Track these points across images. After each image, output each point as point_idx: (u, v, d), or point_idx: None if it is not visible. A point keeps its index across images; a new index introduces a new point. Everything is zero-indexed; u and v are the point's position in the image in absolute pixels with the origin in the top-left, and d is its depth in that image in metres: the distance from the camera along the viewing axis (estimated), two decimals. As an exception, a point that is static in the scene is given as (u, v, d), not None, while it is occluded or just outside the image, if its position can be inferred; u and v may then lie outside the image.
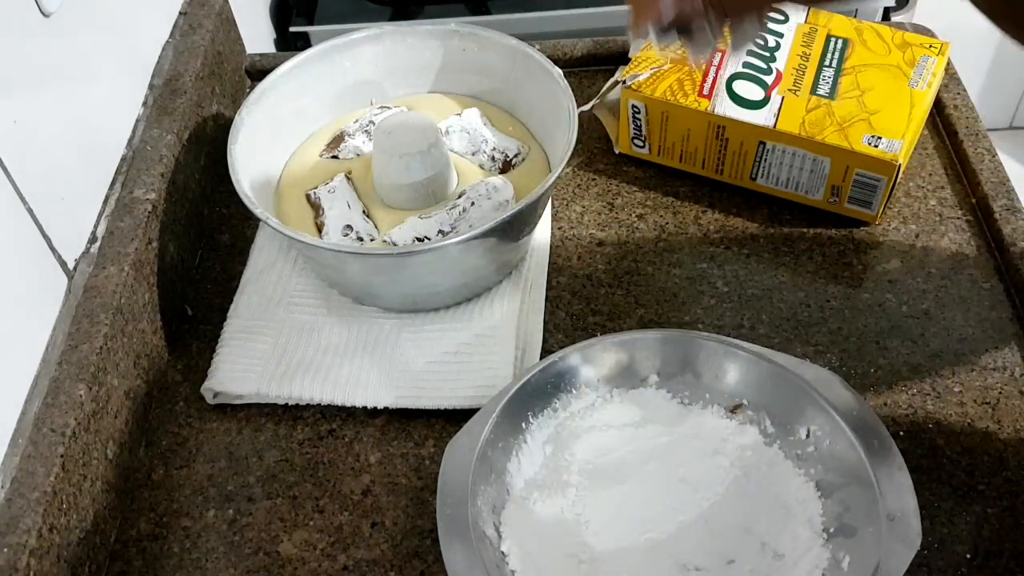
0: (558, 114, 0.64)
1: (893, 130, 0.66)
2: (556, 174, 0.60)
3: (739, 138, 0.69)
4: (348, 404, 0.60)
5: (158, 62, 0.73)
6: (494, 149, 0.68)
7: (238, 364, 0.62)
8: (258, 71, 0.84)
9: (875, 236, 0.69)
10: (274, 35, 1.04)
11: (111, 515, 0.56)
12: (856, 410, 0.52)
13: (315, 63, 0.69)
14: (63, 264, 0.58)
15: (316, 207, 0.65)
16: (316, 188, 0.66)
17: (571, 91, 0.64)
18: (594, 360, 0.57)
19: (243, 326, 0.64)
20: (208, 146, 0.75)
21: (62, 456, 0.52)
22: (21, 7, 0.55)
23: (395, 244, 0.62)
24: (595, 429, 0.55)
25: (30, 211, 0.55)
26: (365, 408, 0.60)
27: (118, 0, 0.67)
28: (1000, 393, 0.61)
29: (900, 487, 0.49)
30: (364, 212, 0.65)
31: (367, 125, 0.70)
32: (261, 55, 0.86)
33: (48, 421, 0.53)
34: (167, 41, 0.75)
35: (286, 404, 0.61)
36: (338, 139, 0.70)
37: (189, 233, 0.70)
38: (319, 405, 0.61)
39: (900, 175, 0.67)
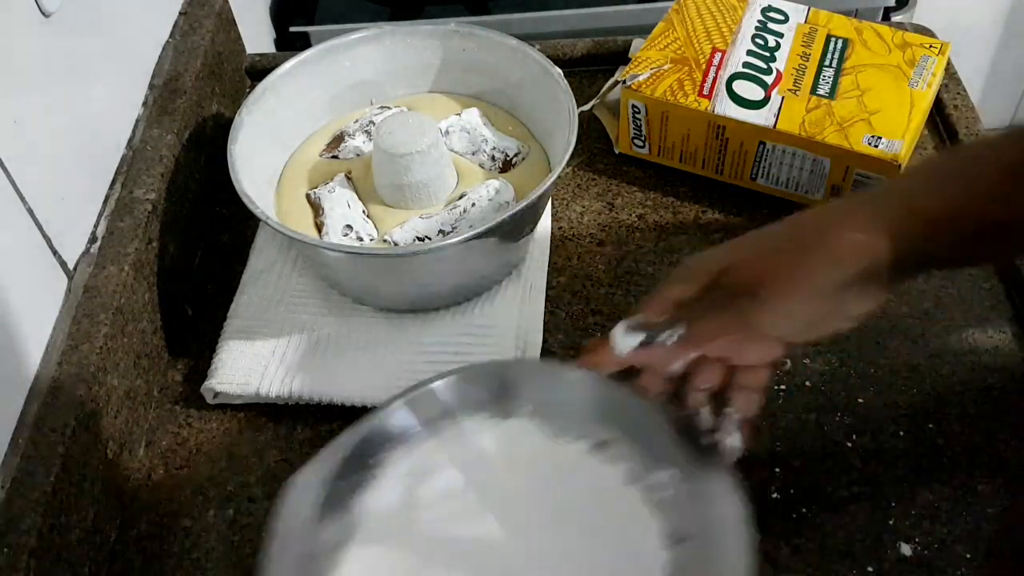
0: (558, 114, 0.64)
1: (893, 130, 0.66)
2: (556, 174, 0.60)
3: (739, 138, 0.69)
4: (348, 404, 0.60)
5: (158, 62, 0.73)
6: (494, 149, 0.68)
7: (238, 364, 0.62)
8: (258, 71, 0.84)
9: (875, 236, 0.69)
10: (274, 35, 1.04)
11: (111, 515, 0.56)
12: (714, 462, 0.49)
13: (315, 63, 0.69)
14: (63, 264, 0.58)
15: (316, 207, 0.65)
16: (316, 188, 0.66)
17: (571, 91, 0.64)
18: (462, 389, 0.54)
19: (243, 326, 0.64)
20: (208, 146, 0.75)
21: (62, 456, 0.52)
22: (21, 7, 0.55)
23: (396, 244, 0.63)
24: (458, 461, 0.53)
25: (30, 211, 0.55)
26: (365, 407, 0.60)
27: (118, 0, 0.67)
28: (1000, 393, 0.61)
29: (737, 546, 0.46)
30: (364, 212, 0.65)
31: (367, 125, 0.70)
32: (261, 55, 0.86)
33: (48, 421, 0.53)
34: (167, 41, 0.75)
35: (286, 404, 0.61)
36: (338, 139, 0.70)
37: (189, 233, 0.70)
38: (319, 405, 0.61)
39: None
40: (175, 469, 0.60)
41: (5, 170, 0.52)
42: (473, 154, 0.68)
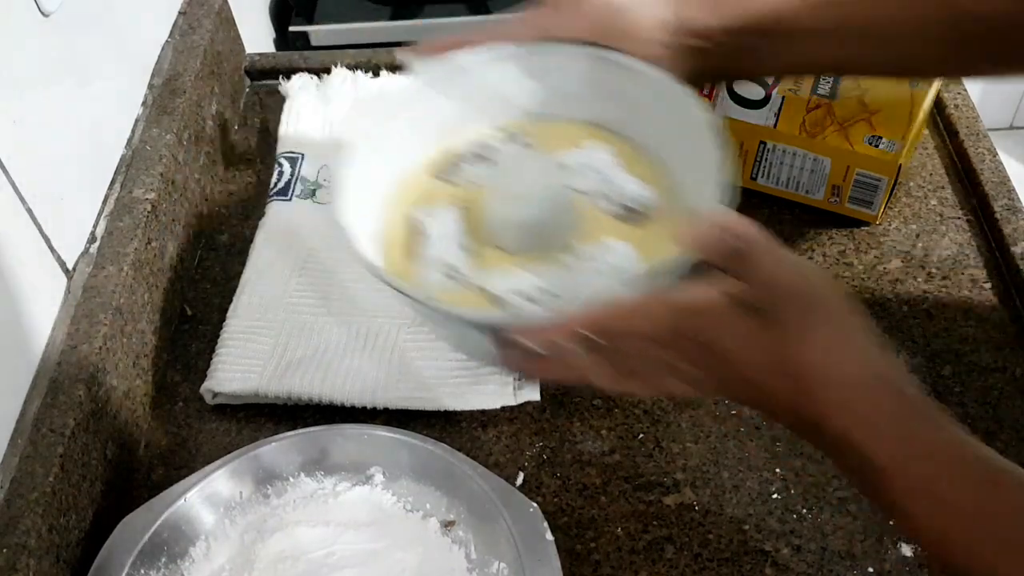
0: (704, 166, 0.53)
1: (894, 130, 0.66)
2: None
3: (739, 138, 0.69)
4: (347, 404, 0.60)
5: (157, 62, 0.73)
6: (622, 195, 0.57)
7: (238, 364, 0.61)
8: (257, 71, 0.84)
9: (876, 236, 0.69)
10: (273, 35, 1.04)
11: (111, 516, 0.56)
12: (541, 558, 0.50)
13: (436, 78, 0.60)
14: (62, 264, 0.58)
15: (416, 229, 0.57)
16: (421, 208, 0.58)
17: (723, 142, 0.53)
18: (316, 450, 0.55)
19: (243, 326, 0.64)
20: (208, 146, 0.74)
21: (61, 456, 0.51)
22: (21, 7, 0.55)
23: (491, 294, 0.53)
24: (302, 524, 0.52)
25: (29, 211, 0.55)
26: (364, 408, 0.60)
27: (118, 0, 0.67)
28: (1000, 393, 0.60)
29: None
30: (466, 246, 0.56)
31: (484, 150, 0.62)
32: (260, 55, 0.86)
33: (47, 421, 0.53)
34: (166, 41, 0.75)
35: (285, 404, 0.61)
36: (453, 161, 0.62)
37: (188, 233, 0.70)
38: (318, 405, 0.61)
39: (901, 175, 0.67)
40: (174, 469, 0.59)
41: (4, 170, 0.52)
42: (595, 196, 0.58)
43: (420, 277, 0.54)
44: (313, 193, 0.72)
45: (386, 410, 0.60)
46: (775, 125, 0.68)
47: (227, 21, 0.81)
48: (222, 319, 0.65)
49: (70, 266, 0.59)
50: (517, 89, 0.61)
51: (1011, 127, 1.72)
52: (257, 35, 0.98)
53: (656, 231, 0.55)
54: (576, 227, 0.56)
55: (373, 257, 0.52)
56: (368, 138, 0.58)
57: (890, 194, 0.68)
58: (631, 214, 0.57)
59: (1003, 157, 0.73)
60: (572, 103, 0.61)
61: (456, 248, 0.55)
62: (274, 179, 0.72)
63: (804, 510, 0.56)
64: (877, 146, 0.66)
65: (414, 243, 0.56)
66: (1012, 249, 0.66)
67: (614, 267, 0.53)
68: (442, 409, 0.60)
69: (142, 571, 0.51)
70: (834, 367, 0.41)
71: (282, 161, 0.74)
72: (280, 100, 0.78)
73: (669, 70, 0.55)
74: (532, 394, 0.61)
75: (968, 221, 0.70)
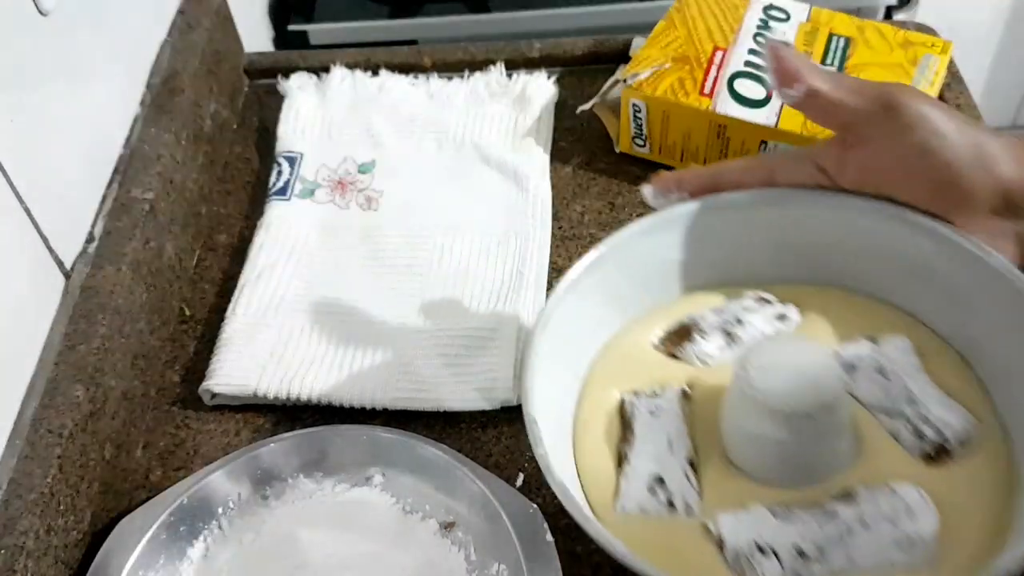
0: None
1: (895, 129, 0.66)
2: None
3: (740, 137, 0.69)
4: (347, 404, 0.60)
5: (155, 61, 0.73)
6: (924, 419, 0.43)
7: (237, 365, 0.61)
8: (256, 70, 0.84)
9: (877, 236, 0.69)
10: (272, 34, 1.04)
11: (109, 517, 0.56)
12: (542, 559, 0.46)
13: (681, 220, 0.49)
14: (60, 264, 0.58)
15: (627, 425, 0.46)
16: (636, 395, 0.47)
17: None
18: (315, 451, 0.54)
19: (241, 327, 0.63)
20: (206, 145, 0.74)
21: (59, 457, 0.51)
22: (18, 5, 0.55)
23: (720, 540, 0.41)
24: (301, 525, 0.52)
25: (27, 211, 0.54)
26: (364, 409, 0.60)
27: (116, -2, 0.67)
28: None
29: None
30: (690, 460, 0.44)
31: (731, 323, 0.48)
32: (259, 54, 0.85)
33: (45, 422, 0.52)
34: (165, 39, 0.74)
35: (284, 405, 0.61)
36: (684, 331, 0.49)
37: (187, 233, 0.70)
38: (317, 405, 0.60)
39: (902, 174, 0.66)
40: (173, 470, 0.59)
41: (2, 169, 0.52)
42: (887, 414, 0.44)
43: (623, 499, 0.42)
44: (312, 193, 0.72)
45: (385, 410, 0.60)
46: (776, 124, 0.67)
47: (226, 20, 0.81)
48: (221, 319, 0.65)
49: (68, 266, 0.59)
50: (779, 243, 0.48)
51: (1013, 126, 1.71)
52: (256, 34, 0.97)
53: (968, 481, 0.40)
54: (852, 457, 0.42)
55: (563, 479, 0.39)
56: (570, 289, 0.45)
57: (892, 194, 0.67)
58: (932, 447, 0.41)
59: (1005, 156, 0.73)
60: (856, 272, 0.47)
61: (674, 458, 0.43)
62: (273, 179, 0.72)
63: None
64: (879, 145, 0.65)
65: (619, 440, 0.44)
66: (1014, 249, 0.66)
67: (905, 536, 0.38)
68: (442, 409, 0.59)
69: (140, 572, 0.50)
70: None
71: (281, 161, 0.73)
72: (279, 99, 0.78)
73: (1002, 251, 0.42)
74: None
75: (970, 221, 0.69)
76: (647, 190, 0.49)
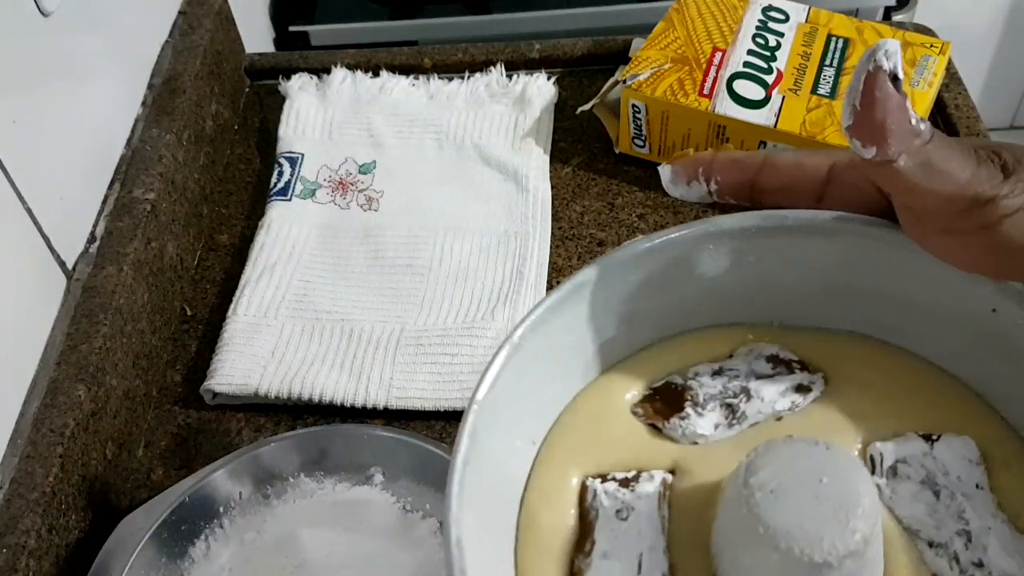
0: None
1: (894, 130, 0.66)
2: None
3: (739, 138, 0.69)
4: (347, 404, 0.60)
5: (157, 61, 0.73)
6: (979, 565, 0.32)
7: (238, 365, 0.61)
8: (257, 70, 0.84)
9: (876, 236, 0.69)
10: (273, 34, 1.04)
11: (110, 516, 0.56)
12: None
13: (680, 245, 0.36)
14: (62, 264, 0.58)
15: (587, 526, 0.34)
16: (603, 480, 0.34)
17: None
18: (315, 451, 0.53)
19: (243, 326, 0.64)
20: (207, 145, 0.74)
21: (61, 457, 0.51)
22: (20, 6, 0.55)
23: None
24: (301, 525, 0.52)
25: (29, 211, 0.54)
26: (364, 408, 0.60)
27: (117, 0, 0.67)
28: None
29: None
30: (666, 568, 0.32)
31: (735, 394, 0.36)
32: (260, 54, 0.85)
33: (47, 422, 0.53)
34: (166, 40, 0.75)
35: (285, 404, 0.61)
36: (672, 396, 0.37)
37: (188, 233, 0.70)
38: (318, 405, 0.61)
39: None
40: (174, 470, 0.59)
41: (4, 170, 0.52)
42: (931, 545, 0.32)
43: None
44: (313, 193, 0.72)
45: (386, 410, 0.60)
46: (775, 125, 0.68)
47: (227, 21, 0.81)
48: (222, 319, 0.65)
49: (70, 266, 0.59)
50: (816, 281, 0.36)
51: (1011, 127, 1.71)
52: (257, 35, 0.98)
53: None
54: None
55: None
56: (534, 329, 0.34)
57: (891, 194, 0.67)
58: None
59: (1004, 157, 0.73)
60: (918, 331, 0.36)
61: (646, 567, 0.32)
62: (274, 179, 0.73)
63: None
64: (878, 146, 0.65)
65: (574, 546, 0.33)
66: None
67: None
68: (442, 409, 0.60)
69: (142, 572, 0.50)
70: None
71: (282, 161, 0.74)
72: (280, 100, 0.78)
73: None
74: None
75: (969, 221, 0.70)
76: (665, 172, 0.37)
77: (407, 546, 0.52)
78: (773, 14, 0.75)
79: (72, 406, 0.53)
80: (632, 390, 0.37)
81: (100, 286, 0.59)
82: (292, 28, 1.02)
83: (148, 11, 0.73)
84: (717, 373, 0.37)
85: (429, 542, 0.52)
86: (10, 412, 0.53)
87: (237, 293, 0.66)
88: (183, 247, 0.69)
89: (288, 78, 0.79)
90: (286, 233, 0.69)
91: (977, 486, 0.33)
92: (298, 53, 0.84)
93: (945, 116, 0.75)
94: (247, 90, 0.83)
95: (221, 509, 0.53)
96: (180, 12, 0.77)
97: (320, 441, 0.55)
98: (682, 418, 0.35)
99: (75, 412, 0.53)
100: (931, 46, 0.72)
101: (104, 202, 0.64)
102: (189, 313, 0.68)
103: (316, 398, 0.60)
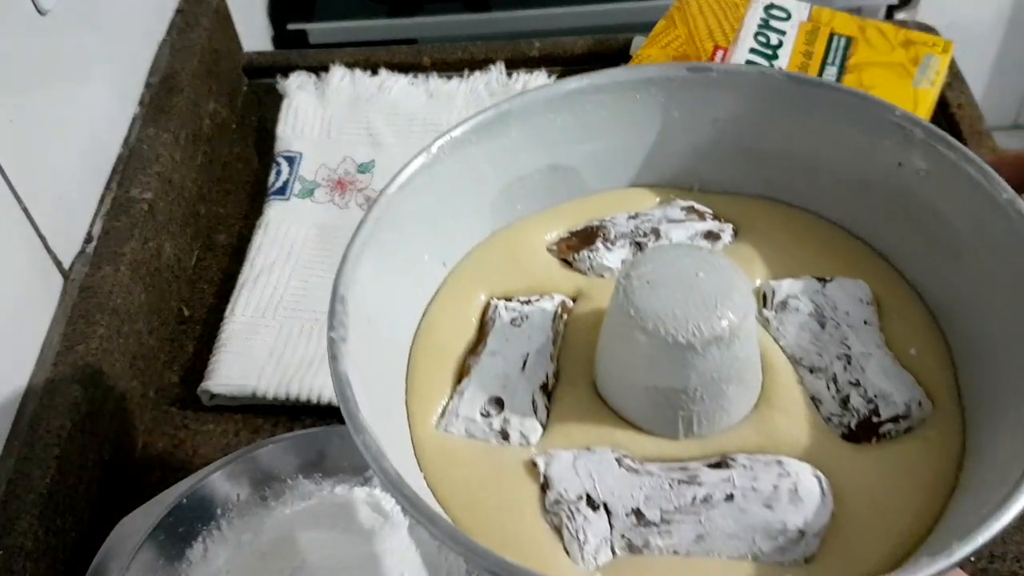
0: None
1: (896, 129, 0.66)
2: (986, 537, 0.26)
3: (741, 137, 0.69)
4: (346, 405, 0.60)
5: (154, 60, 0.72)
6: (855, 384, 0.33)
7: (235, 365, 0.61)
8: (255, 69, 0.83)
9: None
10: (271, 33, 1.04)
11: (107, 518, 0.56)
12: None
13: (618, 88, 0.38)
14: (59, 264, 0.58)
15: (484, 327, 0.36)
16: (508, 300, 0.37)
17: None
18: (314, 452, 0.53)
19: (240, 327, 0.63)
20: (205, 145, 0.74)
21: (58, 458, 0.51)
22: (17, 4, 0.55)
23: (545, 481, 0.32)
24: (300, 526, 0.51)
25: (25, 211, 0.54)
26: (363, 409, 0.60)
27: (114, -3, 0.67)
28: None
29: None
30: (544, 385, 0.34)
31: (645, 233, 0.38)
32: (258, 53, 0.85)
33: (44, 423, 0.52)
34: (163, 39, 0.74)
35: (283, 405, 0.61)
36: (588, 235, 0.38)
37: (186, 233, 0.69)
38: (317, 406, 0.60)
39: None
40: (171, 471, 0.59)
41: (1, 169, 0.52)
42: (812, 371, 0.34)
43: (448, 417, 0.34)
44: (311, 192, 0.72)
45: (385, 411, 0.60)
46: (777, 124, 0.67)
47: (225, 19, 0.81)
48: (220, 319, 0.64)
49: (66, 266, 0.59)
50: (735, 144, 0.38)
51: (1014, 126, 1.71)
52: (255, 33, 0.97)
53: (893, 471, 0.31)
54: (748, 414, 0.33)
55: (347, 373, 0.30)
56: (455, 147, 0.35)
57: (893, 193, 0.67)
58: (857, 421, 0.32)
59: (1006, 156, 0.73)
60: (823, 192, 0.37)
61: (523, 379, 0.34)
62: (272, 178, 0.72)
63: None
64: (880, 145, 0.65)
65: (469, 350, 0.35)
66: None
67: (780, 525, 0.30)
68: (441, 410, 0.59)
69: (139, 574, 0.50)
70: None
71: (280, 160, 0.73)
72: (278, 98, 0.78)
73: None
74: None
75: (971, 221, 0.69)
76: None
77: (406, 548, 0.52)
78: (775, 12, 0.74)
79: (69, 407, 0.53)
80: (551, 232, 0.39)
81: (97, 286, 0.58)
82: (290, 26, 1.01)
83: (145, 9, 0.73)
84: (632, 217, 0.39)
85: (429, 543, 0.52)
86: (6, 413, 0.52)
87: (235, 293, 0.66)
88: (180, 247, 0.68)
89: (286, 76, 0.78)
90: (284, 233, 0.69)
91: (865, 322, 0.34)
92: (296, 51, 0.84)
93: (948, 115, 0.75)
94: (245, 89, 0.83)
95: (219, 511, 0.53)
96: (177, 10, 0.77)
97: (318, 442, 0.55)
98: (592, 251, 0.37)
99: (72, 413, 0.53)
100: (934, 45, 0.71)
101: (101, 201, 0.63)
102: (186, 313, 0.67)
103: (314, 399, 0.60)
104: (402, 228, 0.35)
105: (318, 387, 0.60)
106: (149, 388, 0.62)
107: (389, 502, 0.54)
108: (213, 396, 0.61)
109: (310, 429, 0.56)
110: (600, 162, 0.39)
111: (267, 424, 0.61)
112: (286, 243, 0.68)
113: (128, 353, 0.60)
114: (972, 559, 0.53)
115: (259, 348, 0.62)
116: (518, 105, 0.36)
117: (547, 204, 0.39)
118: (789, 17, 0.74)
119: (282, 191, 0.71)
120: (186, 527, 0.52)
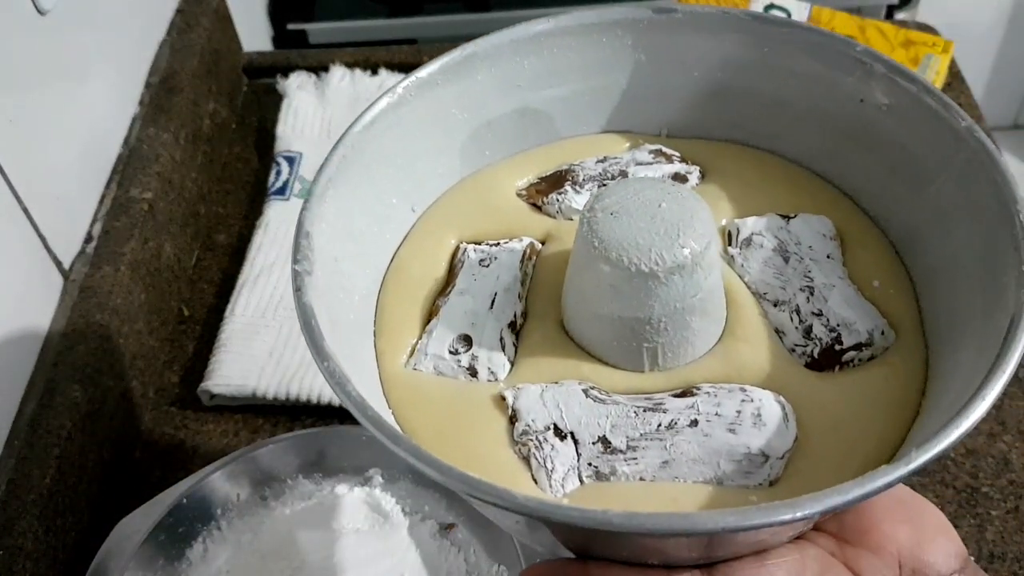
0: (999, 308, 0.29)
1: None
2: (943, 445, 0.26)
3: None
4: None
5: (154, 60, 0.72)
6: (818, 314, 0.33)
7: (235, 365, 0.61)
8: (255, 69, 0.83)
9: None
10: (271, 33, 1.04)
11: (108, 518, 0.56)
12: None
13: (587, 32, 0.38)
14: (59, 264, 0.58)
15: (453, 269, 0.37)
16: (479, 243, 0.37)
17: None
18: (314, 452, 0.53)
19: (240, 327, 0.63)
20: (205, 145, 0.74)
21: (58, 458, 0.51)
22: (17, 4, 0.55)
23: (513, 412, 0.32)
24: (300, 527, 0.51)
25: (26, 211, 0.54)
26: (363, 409, 0.60)
27: (114, -3, 0.67)
28: (1004, 395, 0.60)
29: None
30: (512, 323, 0.35)
31: (612, 176, 0.38)
32: (258, 53, 0.85)
33: (44, 423, 0.52)
34: (163, 39, 0.74)
35: (283, 405, 0.61)
36: (557, 179, 0.39)
37: (186, 233, 0.69)
38: (316, 406, 0.60)
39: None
40: (171, 471, 0.59)
41: (1, 170, 0.52)
42: (775, 304, 0.34)
43: (417, 355, 0.34)
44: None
45: (385, 411, 0.60)
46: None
47: (224, 19, 0.81)
48: (220, 320, 0.64)
49: (66, 266, 0.59)
50: (701, 87, 0.38)
51: (1014, 126, 1.71)
52: (255, 33, 0.97)
53: (856, 397, 0.32)
54: (712, 345, 0.33)
55: (312, 303, 0.30)
56: (422, 88, 0.36)
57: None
58: (820, 349, 0.33)
59: (1006, 156, 0.73)
60: (786, 131, 0.38)
61: (491, 316, 0.34)
62: (272, 178, 0.72)
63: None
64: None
65: (438, 291, 0.36)
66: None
67: (744, 449, 0.30)
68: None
69: (139, 574, 0.50)
70: None
71: (280, 160, 0.73)
72: (278, 98, 0.78)
73: None
74: None
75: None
76: None
77: (406, 548, 0.52)
78: (775, 12, 0.74)
79: (69, 407, 0.53)
80: (521, 178, 0.39)
81: (97, 286, 0.58)
82: (290, 26, 1.01)
83: (145, 9, 0.73)
84: (600, 161, 0.39)
85: (429, 544, 0.52)
86: (7, 413, 0.52)
87: (235, 293, 0.66)
88: (180, 247, 0.68)
89: (286, 76, 0.78)
90: (284, 233, 0.69)
91: (828, 256, 0.35)
92: (296, 51, 0.84)
93: (947, 115, 0.75)
94: (245, 89, 0.83)
95: (219, 511, 0.53)
96: (177, 10, 0.77)
97: (318, 443, 0.55)
98: (560, 194, 0.38)
99: (72, 413, 0.53)
100: (934, 45, 0.72)
101: (101, 202, 0.63)
102: (186, 313, 0.67)
103: (314, 399, 0.60)
104: (369, 169, 0.35)
105: (318, 387, 0.60)
106: (149, 388, 0.62)
107: (389, 502, 0.54)
108: (213, 396, 0.61)
109: (310, 429, 0.56)
110: (569, 107, 0.39)
111: (267, 424, 0.61)
112: (286, 243, 0.68)
113: (128, 353, 0.60)
114: (973, 559, 0.53)
115: (259, 348, 0.62)
116: (484, 47, 0.37)
117: (517, 150, 0.40)
118: (789, 17, 0.74)
119: (282, 191, 0.71)
120: (186, 527, 0.52)
